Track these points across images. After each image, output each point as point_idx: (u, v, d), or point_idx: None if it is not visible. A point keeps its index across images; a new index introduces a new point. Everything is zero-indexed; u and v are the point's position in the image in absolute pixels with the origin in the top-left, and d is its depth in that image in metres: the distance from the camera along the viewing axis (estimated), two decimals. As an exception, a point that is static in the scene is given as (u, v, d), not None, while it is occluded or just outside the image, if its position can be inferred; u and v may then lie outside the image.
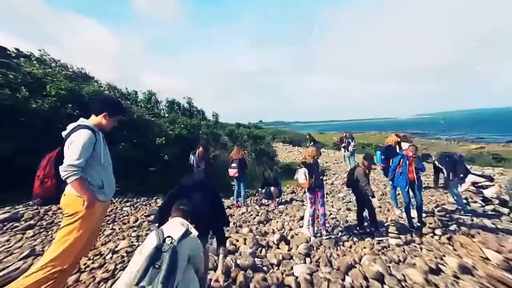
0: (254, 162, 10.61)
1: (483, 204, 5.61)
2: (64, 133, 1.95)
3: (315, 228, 4.16)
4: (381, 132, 42.22)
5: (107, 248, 3.24)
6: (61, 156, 1.88)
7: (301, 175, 4.14)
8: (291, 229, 4.53)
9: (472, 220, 4.76)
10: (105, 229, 3.96)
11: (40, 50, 7.75)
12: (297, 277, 2.84)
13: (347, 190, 7.12)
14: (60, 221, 3.76)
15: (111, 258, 3.02)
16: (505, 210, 5.10)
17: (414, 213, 4.59)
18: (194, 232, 1.71)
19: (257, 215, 5.40)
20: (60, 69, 7.41)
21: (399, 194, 5.36)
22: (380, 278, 2.89)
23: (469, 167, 6.75)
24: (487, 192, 5.82)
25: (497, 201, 5.58)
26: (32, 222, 3.81)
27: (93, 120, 2.07)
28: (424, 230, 4.33)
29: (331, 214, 5.49)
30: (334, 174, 10.34)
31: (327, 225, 4.27)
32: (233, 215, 5.50)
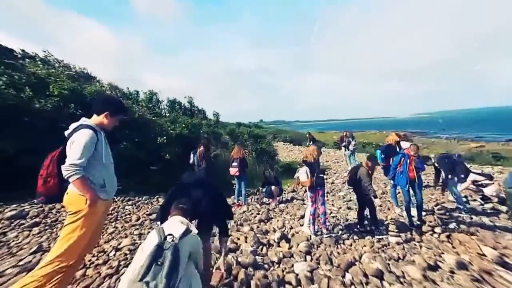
0: (254, 161, 10.65)
1: (482, 202, 5.64)
2: (66, 133, 1.98)
3: (316, 227, 4.19)
4: (381, 131, 42.23)
5: (110, 246, 3.30)
6: (63, 155, 1.91)
7: (303, 173, 4.16)
8: (291, 228, 4.57)
9: (471, 218, 4.80)
10: (107, 227, 4.02)
11: (44, 51, 7.86)
12: (297, 274, 2.88)
13: (347, 189, 7.16)
14: (64, 219, 3.83)
15: (114, 255, 3.08)
16: (504, 208, 5.14)
17: (414, 212, 4.62)
18: (194, 230, 1.76)
19: (258, 214, 5.44)
20: (63, 69, 7.47)
21: (399, 192, 5.40)
22: (379, 275, 2.93)
23: (468, 166, 6.78)
24: (487, 191, 5.85)
25: (496, 199, 5.62)
26: (37, 219, 3.91)
27: (95, 119, 2.09)
28: (424, 228, 4.36)
29: (331, 212, 5.52)
30: (334, 173, 10.38)
31: (327, 223, 4.31)
32: (234, 213, 5.54)
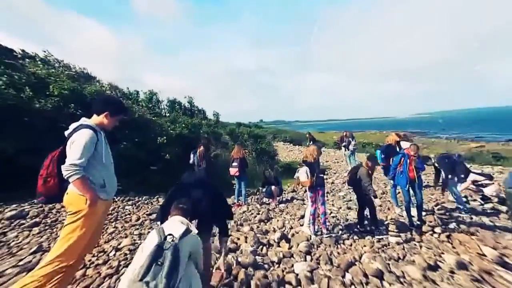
0: (254, 161, 10.65)
1: (482, 202, 5.65)
2: (66, 133, 1.98)
3: (316, 227, 4.19)
4: (381, 131, 42.24)
5: (110, 246, 3.31)
6: (63, 155, 1.90)
7: (303, 173, 4.16)
8: (291, 228, 4.57)
9: (471, 218, 4.80)
10: (108, 227, 4.02)
11: (44, 51, 7.87)
12: (297, 274, 2.88)
13: (347, 189, 7.16)
14: (64, 219, 3.83)
15: (114, 255, 3.08)
16: (504, 208, 5.14)
17: (414, 212, 4.62)
18: (194, 230, 1.76)
19: (258, 214, 5.44)
20: (63, 69, 7.47)
21: (399, 192, 5.40)
22: (379, 275, 2.93)
23: (468, 166, 6.78)
24: (487, 191, 5.85)
25: (496, 199, 5.62)
26: (37, 219, 3.91)
27: (95, 119, 2.09)
28: (424, 228, 4.36)
29: (331, 212, 5.53)
30: (334, 173, 10.38)
31: (327, 223, 4.31)
32: (234, 214, 5.54)
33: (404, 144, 5.82)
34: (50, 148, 2.05)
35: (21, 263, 2.75)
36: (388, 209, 5.71)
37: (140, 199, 5.74)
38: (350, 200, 6.37)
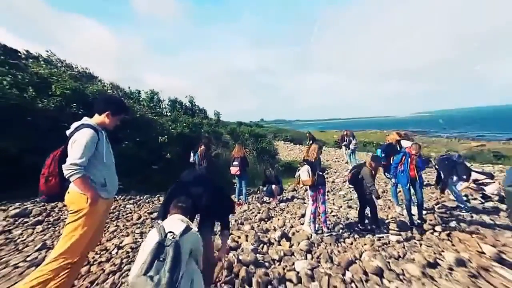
0: (255, 160, 10.67)
1: (483, 201, 5.65)
2: (68, 132, 1.99)
3: (316, 225, 4.21)
4: (382, 130, 42.21)
5: (113, 244, 3.34)
6: (65, 154, 1.92)
7: (304, 172, 4.15)
8: (292, 227, 4.58)
9: (472, 216, 4.81)
10: (109, 226, 4.05)
11: (47, 51, 7.92)
12: (298, 272, 2.90)
13: (348, 188, 7.17)
14: (65, 218, 3.86)
15: (116, 253, 3.12)
16: (504, 206, 5.15)
17: (414, 210, 4.64)
18: (194, 228, 1.78)
19: (259, 213, 5.46)
20: (65, 69, 7.52)
21: (400, 191, 5.41)
22: (379, 273, 2.95)
23: (469, 164, 6.79)
24: (488, 189, 5.86)
25: (496, 198, 5.62)
26: (40, 218, 3.96)
27: (96, 119, 2.10)
28: (425, 226, 4.38)
29: (332, 211, 5.54)
30: (335, 172, 10.39)
31: (328, 222, 4.33)
32: (235, 212, 5.57)
33: (405, 143, 5.83)
34: (53, 148, 2.07)
35: (28, 258, 2.84)
36: (389, 208, 5.72)
37: (142, 198, 5.77)
38: (351, 199, 6.38)
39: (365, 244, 3.82)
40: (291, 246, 3.73)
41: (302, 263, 3.09)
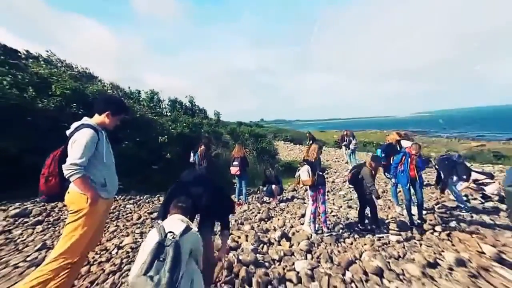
0: (255, 160, 10.67)
1: (483, 201, 5.65)
2: (68, 132, 1.99)
3: (316, 225, 4.21)
4: (382, 130, 42.23)
5: (113, 244, 3.35)
6: (65, 154, 1.92)
7: (304, 172, 4.15)
8: (292, 227, 4.58)
9: (472, 216, 4.81)
10: (109, 226, 4.05)
11: (47, 51, 7.93)
12: (298, 272, 2.90)
13: (348, 188, 7.17)
14: (65, 218, 3.87)
15: (116, 253, 3.13)
16: (504, 207, 5.15)
17: (414, 210, 4.64)
18: (194, 228, 1.78)
19: (259, 213, 5.46)
20: (65, 69, 7.52)
21: (400, 191, 5.41)
22: (379, 273, 2.95)
23: (469, 164, 6.79)
24: (488, 189, 5.86)
25: (496, 198, 5.62)
26: (40, 218, 3.97)
27: (96, 119, 2.10)
28: (425, 226, 4.38)
29: (332, 211, 5.54)
30: (335, 172, 10.39)
31: (328, 222, 4.33)
32: (235, 212, 5.57)
33: (405, 143, 5.84)
34: (53, 148, 2.07)
35: (28, 258, 2.85)
36: (389, 208, 5.72)
37: (141, 198, 5.78)
38: (351, 199, 6.38)
39: (365, 244, 3.82)
40: (291, 246, 3.73)
41: (302, 263, 3.09)
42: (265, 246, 3.65)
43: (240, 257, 3.07)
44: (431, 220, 4.54)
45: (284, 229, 4.38)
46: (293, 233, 4.21)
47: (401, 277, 2.91)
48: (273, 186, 6.45)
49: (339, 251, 3.60)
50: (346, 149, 10.42)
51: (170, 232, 1.57)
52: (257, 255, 3.23)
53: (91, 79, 8.55)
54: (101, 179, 2.02)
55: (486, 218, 4.70)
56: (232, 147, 8.47)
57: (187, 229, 1.65)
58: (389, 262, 3.22)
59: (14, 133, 4.59)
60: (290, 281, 2.76)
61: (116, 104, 2.23)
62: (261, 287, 2.56)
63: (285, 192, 7.27)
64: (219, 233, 2.53)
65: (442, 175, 5.19)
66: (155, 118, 8.11)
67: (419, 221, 4.53)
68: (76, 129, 1.94)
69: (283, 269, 2.98)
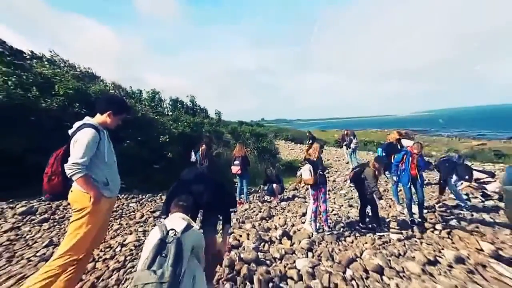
0: (256, 159, 10.68)
1: (483, 199, 5.68)
2: (70, 131, 2.01)
3: (317, 224, 4.23)
4: (382, 130, 42.17)
5: (116, 242, 3.39)
6: (67, 154, 1.94)
7: (306, 171, 4.17)
8: (293, 225, 4.61)
9: (472, 215, 4.83)
10: (113, 224, 4.10)
11: (50, 51, 7.98)
12: (299, 270, 2.92)
13: (349, 187, 7.19)
14: (70, 215, 3.93)
15: (120, 250, 3.18)
16: (503, 205, 5.18)
17: (415, 209, 4.66)
18: (196, 226, 1.81)
19: (260, 212, 5.49)
20: (68, 69, 7.56)
21: (400, 190, 5.43)
22: (379, 271, 2.98)
23: (470, 163, 6.80)
24: (489, 188, 5.89)
25: (497, 196, 5.65)
26: (46, 215, 4.05)
27: (98, 118, 2.11)
28: (425, 225, 4.40)
29: (333, 210, 5.57)
30: (336, 171, 10.40)
31: (329, 221, 4.35)
32: (236, 211, 5.60)
33: (405, 142, 5.86)
34: (56, 147, 2.09)
35: (38, 254, 2.97)
36: (390, 206, 5.74)
37: (144, 196, 5.82)
38: (352, 198, 6.40)
39: (365, 243, 3.85)
40: (292, 244, 3.76)
41: (303, 261, 3.12)
42: (266, 245, 3.68)
43: (242, 255, 3.10)
44: (431, 219, 4.57)
45: (285, 228, 4.41)
46: (294, 232, 4.24)
47: (401, 274, 2.94)
48: (274, 185, 6.48)
49: (340, 250, 3.63)
50: (347, 149, 10.42)
51: (172, 229, 1.60)
52: (259, 253, 3.26)
53: (94, 79, 8.58)
54: (103, 178, 2.04)
55: (486, 217, 4.72)
56: (233, 146, 8.49)
57: (188, 226, 1.68)
58: (389, 260, 3.25)
59: (18, 133, 4.64)
60: (291, 278, 2.78)
61: (118, 103, 2.24)
62: (263, 285, 2.58)
63: (286, 191, 7.30)
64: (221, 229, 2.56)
65: (443, 177, 5.21)
66: (156, 117, 8.13)
67: (419, 220, 4.55)
68: (78, 129, 1.96)
69: (284, 267, 3.01)
